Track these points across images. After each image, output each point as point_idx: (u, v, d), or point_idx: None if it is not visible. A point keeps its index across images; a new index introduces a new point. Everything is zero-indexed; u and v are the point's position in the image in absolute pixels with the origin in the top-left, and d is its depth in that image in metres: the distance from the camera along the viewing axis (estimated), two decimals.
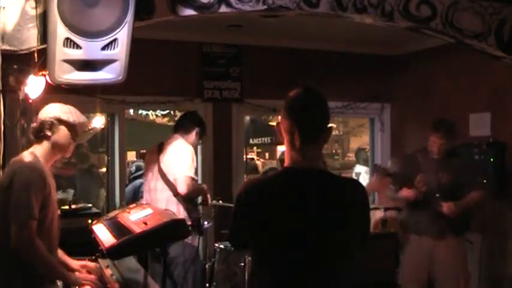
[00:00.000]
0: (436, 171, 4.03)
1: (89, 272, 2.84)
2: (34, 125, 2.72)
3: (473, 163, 5.08)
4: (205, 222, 4.69)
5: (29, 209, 2.51)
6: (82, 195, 6.54)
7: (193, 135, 4.36)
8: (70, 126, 2.72)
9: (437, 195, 3.98)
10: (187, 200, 4.18)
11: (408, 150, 6.18)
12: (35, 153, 2.69)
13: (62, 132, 2.71)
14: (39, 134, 2.70)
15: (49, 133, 2.69)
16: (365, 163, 7.47)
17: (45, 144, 2.71)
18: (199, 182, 5.79)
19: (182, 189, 4.04)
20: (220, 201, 4.99)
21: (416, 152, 4.27)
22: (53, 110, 2.71)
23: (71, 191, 6.62)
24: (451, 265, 4.04)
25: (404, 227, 4.40)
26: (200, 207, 4.57)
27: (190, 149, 4.22)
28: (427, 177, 3.99)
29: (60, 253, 2.88)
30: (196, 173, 4.44)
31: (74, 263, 2.88)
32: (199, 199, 4.57)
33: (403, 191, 4.09)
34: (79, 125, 2.77)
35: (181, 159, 4.14)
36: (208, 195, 4.44)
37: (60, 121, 2.70)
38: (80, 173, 7.04)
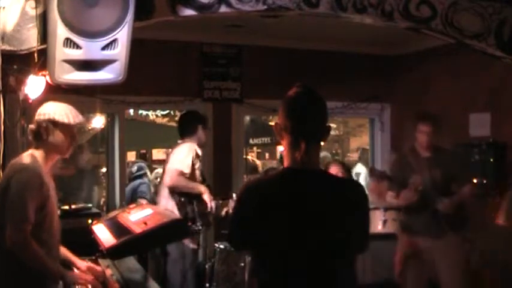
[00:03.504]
0: (428, 169, 4.04)
1: (93, 274, 2.82)
2: (32, 126, 2.71)
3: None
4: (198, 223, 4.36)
5: (23, 211, 2.50)
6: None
7: (200, 133, 4.38)
8: (65, 127, 2.69)
9: (434, 192, 3.98)
10: (180, 195, 4.13)
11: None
12: (34, 154, 2.68)
13: (58, 135, 2.68)
14: (37, 137, 2.70)
15: (45, 136, 2.67)
16: (367, 164, 7.45)
17: (43, 146, 2.70)
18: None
19: (166, 180, 4.06)
20: (221, 201, 4.98)
21: (406, 153, 4.27)
22: (48, 111, 2.69)
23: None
24: (452, 263, 4.03)
25: (403, 228, 4.39)
26: (195, 207, 4.26)
27: (191, 147, 4.21)
28: (421, 177, 3.99)
29: (67, 252, 2.88)
30: (193, 172, 4.23)
31: (80, 263, 2.87)
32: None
33: (401, 196, 4.07)
34: (75, 125, 2.74)
35: (177, 153, 4.17)
36: (206, 197, 4.20)
37: (55, 123, 2.67)
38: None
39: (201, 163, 4.46)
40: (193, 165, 4.21)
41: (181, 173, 4.08)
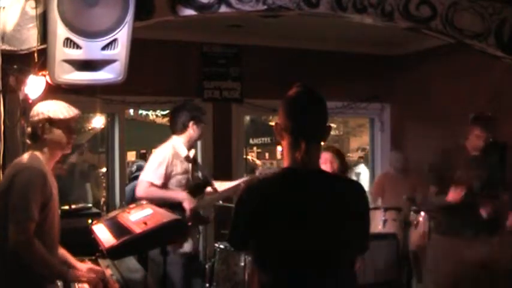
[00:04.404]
0: (475, 168, 3.99)
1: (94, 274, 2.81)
2: (28, 129, 2.71)
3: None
4: None
5: (27, 211, 2.50)
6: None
7: (190, 130, 4.05)
8: (62, 123, 2.70)
9: (480, 192, 3.93)
10: (159, 204, 3.61)
11: (410, 150, 6.17)
12: (35, 154, 2.69)
13: (56, 132, 2.69)
14: (35, 138, 2.70)
15: (43, 135, 2.67)
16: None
17: (43, 146, 2.70)
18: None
19: (138, 191, 3.88)
20: (220, 201, 4.98)
21: (450, 149, 4.22)
22: (42, 110, 2.69)
23: None
24: (484, 265, 4.00)
25: (438, 228, 4.31)
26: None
27: (162, 152, 3.97)
28: (467, 176, 3.95)
29: (66, 254, 2.87)
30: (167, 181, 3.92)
31: (80, 265, 2.87)
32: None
33: (450, 194, 3.90)
34: (71, 119, 2.74)
35: (149, 162, 4.01)
36: (187, 205, 3.83)
37: (51, 121, 2.68)
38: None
39: (193, 158, 4.10)
40: (168, 173, 3.92)
41: (152, 185, 3.87)
